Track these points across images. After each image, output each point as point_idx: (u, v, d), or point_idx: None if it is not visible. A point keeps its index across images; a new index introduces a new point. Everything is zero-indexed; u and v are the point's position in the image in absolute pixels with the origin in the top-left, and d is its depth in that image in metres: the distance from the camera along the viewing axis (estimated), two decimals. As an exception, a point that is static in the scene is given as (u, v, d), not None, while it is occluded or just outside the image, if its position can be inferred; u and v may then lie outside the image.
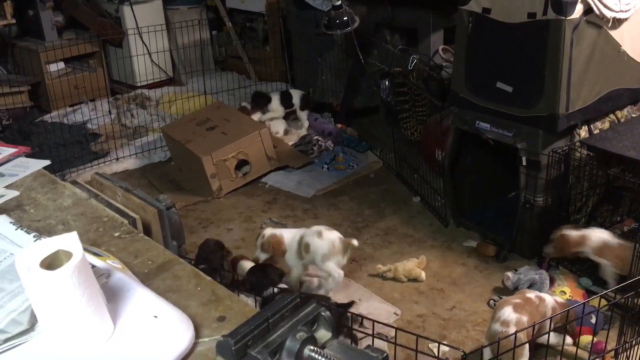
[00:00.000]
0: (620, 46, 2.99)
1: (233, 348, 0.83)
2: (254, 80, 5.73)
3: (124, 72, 5.48)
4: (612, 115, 3.16)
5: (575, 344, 2.59)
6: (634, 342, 2.33)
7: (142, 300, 1.07)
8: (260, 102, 4.77)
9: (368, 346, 0.88)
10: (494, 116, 3.13)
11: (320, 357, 0.84)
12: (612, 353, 2.50)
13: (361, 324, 2.76)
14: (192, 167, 4.18)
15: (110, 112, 4.97)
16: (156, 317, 1.03)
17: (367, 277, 3.22)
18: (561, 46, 2.76)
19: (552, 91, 2.84)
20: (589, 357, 2.44)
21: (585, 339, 2.62)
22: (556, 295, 2.79)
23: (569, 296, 2.85)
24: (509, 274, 3.00)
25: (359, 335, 2.50)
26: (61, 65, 5.33)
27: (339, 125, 4.78)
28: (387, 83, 4.17)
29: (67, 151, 4.39)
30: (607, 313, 2.76)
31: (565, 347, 2.54)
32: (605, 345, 2.54)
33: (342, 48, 4.76)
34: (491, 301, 2.93)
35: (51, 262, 0.95)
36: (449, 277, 3.19)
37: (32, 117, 4.99)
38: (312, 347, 0.85)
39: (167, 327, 1.03)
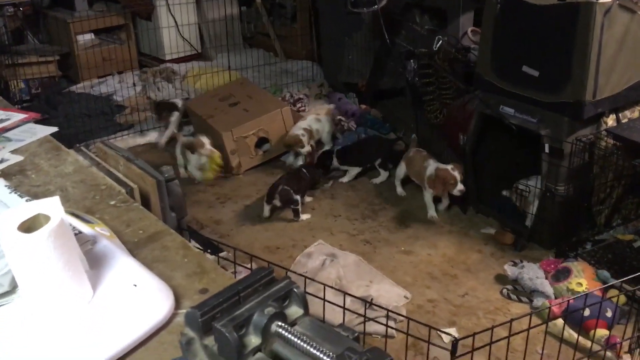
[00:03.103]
0: (655, 32, 2.86)
1: (199, 320, 0.82)
2: (281, 58, 5.70)
3: (153, 45, 5.51)
4: (642, 105, 3.03)
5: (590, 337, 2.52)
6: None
7: (124, 268, 1.07)
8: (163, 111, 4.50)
9: (340, 325, 0.85)
10: (518, 101, 3.04)
11: (287, 334, 0.82)
12: (626, 348, 2.44)
13: (370, 306, 2.76)
14: (214, 142, 4.19)
15: (134, 85, 5.00)
16: (136, 285, 1.03)
17: (380, 259, 3.19)
18: (591, 30, 2.65)
19: (580, 77, 2.73)
20: (604, 351, 2.38)
21: (600, 332, 2.55)
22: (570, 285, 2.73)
23: (585, 288, 2.78)
24: (507, 267, 2.94)
25: (370, 315, 2.49)
26: (91, 36, 5.39)
27: (363, 106, 4.72)
28: (413, 64, 4.09)
29: (92, 122, 4.45)
30: (624, 308, 2.69)
31: (579, 339, 2.49)
32: (622, 342, 2.47)
33: (370, 27, 4.67)
34: (504, 290, 2.88)
35: (30, 226, 0.95)
36: (464, 263, 3.14)
37: (60, 87, 5.06)
38: (279, 323, 0.83)
39: (145, 296, 1.02)
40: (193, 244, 2.93)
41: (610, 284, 2.64)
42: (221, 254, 3.03)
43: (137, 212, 1.35)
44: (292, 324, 0.86)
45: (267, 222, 3.52)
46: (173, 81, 5.18)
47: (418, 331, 2.63)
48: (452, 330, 2.64)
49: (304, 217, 3.54)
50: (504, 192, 3.46)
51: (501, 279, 2.99)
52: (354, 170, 3.95)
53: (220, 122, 4.12)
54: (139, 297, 1.01)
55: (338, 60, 5.09)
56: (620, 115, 2.96)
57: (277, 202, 3.53)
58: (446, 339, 2.55)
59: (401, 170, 3.71)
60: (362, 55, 4.89)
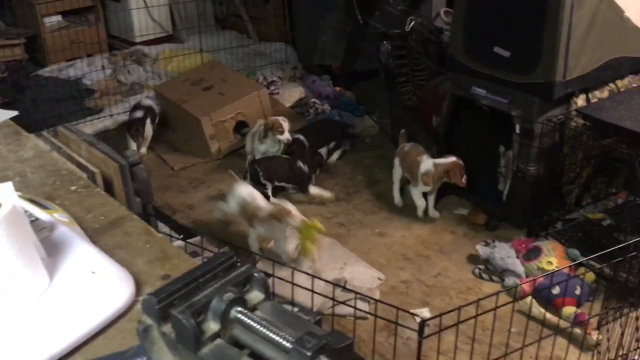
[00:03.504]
0: (624, 12, 2.88)
1: (156, 307, 0.80)
2: (254, 40, 5.62)
3: (122, 27, 5.39)
4: (612, 85, 3.06)
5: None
6: (617, 315, 2.30)
7: (82, 255, 1.04)
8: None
9: (302, 309, 0.84)
10: (490, 82, 3.05)
11: (246, 319, 0.80)
12: (595, 325, 2.48)
13: (344, 288, 2.76)
14: (189, 128, 4.13)
15: (104, 68, 4.89)
16: (94, 272, 1.00)
17: (354, 241, 3.19)
18: (561, 10, 2.65)
19: (550, 57, 2.75)
20: (572, 329, 2.42)
21: (569, 310, 2.59)
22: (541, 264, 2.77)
23: (555, 267, 2.81)
24: (479, 247, 2.97)
25: (342, 298, 2.50)
26: (58, 18, 5.25)
27: (337, 89, 4.69)
28: (386, 46, 4.07)
29: (61, 106, 4.35)
30: (593, 285, 2.73)
31: (548, 317, 2.52)
32: (589, 318, 2.51)
33: (343, 9, 4.63)
34: (476, 270, 2.91)
35: (-19, 213, 0.92)
36: (437, 244, 3.16)
37: (28, 70, 4.93)
38: (239, 309, 0.81)
39: (105, 283, 1.00)
40: (165, 229, 2.91)
41: (578, 261, 2.68)
42: (193, 239, 3.01)
43: (98, 197, 1.32)
44: (253, 309, 0.85)
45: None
46: (144, 64, 5.09)
47: (392, 312, 2.65)
48: (425, 311, 2.66)
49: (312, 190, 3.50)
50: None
51: (473, 259, 3.02)
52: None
53: (196, 107, 4.06)
54: (97, 284, 0.99)
55: (312, 42, 5.04)
56: (590, 95, 2.99)
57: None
58: (419, 319, 2.56)
59: (397, 170, 3.41)
60: (336, 37, 4.85)
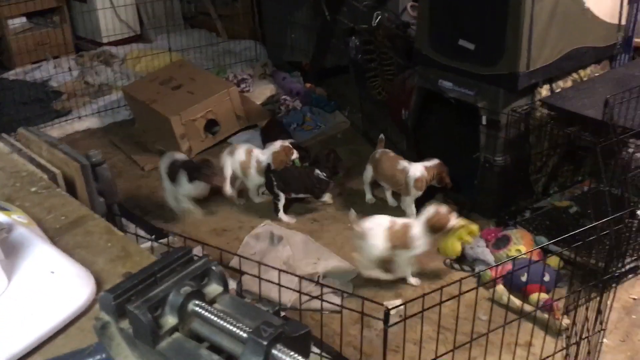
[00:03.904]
0: (584, 3, 2.93)
1: (113, 303, 0.80)
2: (223, 38, 5.60)
3: (89, 27, 5.32)
4: (575, 74, 3.12)
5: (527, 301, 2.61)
6: (583, 299, 2.35)
7: (41, 255, 1.03)
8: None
9: (261, 300, 0.85)
10: (456, 74, 3.08)
11: (204, 312, 0.81)
12: (563, 310, 2.53)
13: (317, 283, 2.77)
14: (159, 127, 4.10)
15: (71, 70, 4.82)
16: (53, 272, 1.00)
17: (328, 236, 3.20)
18: (522, 3, 2.69)
19: (513, 49, 2.79)
20: (541, 314, 2.46)
21: (537, 296, 2.64)
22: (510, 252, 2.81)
23: (525, 255, 2.86)
24: None
25: (316, 293, 2.51)
26: (22, 20, 5.16)
27: (308, 85, 4.70)
28: (355, 41, 4.08)
29: (28, 109, 4.29)
30: (562, 271, 2.79)
31: (519, 304, 2.57)
32: (553, 301, 2.55)
33: (311, 5, 4.64)
34: (447, 260, 2.94)
35: None
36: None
37: (-8, 74, 4.85)
38: (196, 302, 0.82)
39: (64, 283, 0.99)
40: (137, 230, 2.88)
41: (541, 245, 2.73)
42: (165, 239, 2.99)
43: (59, 198, 1.31)
44: (211, 302, 0.85)
45: (213, 205, 3.48)
46: (112, 65, 5.03)
47: (365, 305, 2.67)
48: (397, 302, 2.67)
49: (283, 217, 3.35)
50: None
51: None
52: None
53: (165, 107, 4.03)
54: (56, 284, 0.98)
55: (281, 39, 5.04)
56: (554, 85, 3.04)
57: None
58: (393, 312, 2.58)
59: (368, 173, 3.40)
60: (305, 34, 4.86)
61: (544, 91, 3.00)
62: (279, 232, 3.21)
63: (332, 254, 3.06)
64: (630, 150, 2.68)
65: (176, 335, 0.81)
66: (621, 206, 2.04)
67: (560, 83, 3.06)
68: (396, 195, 3.39)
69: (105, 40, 5.37)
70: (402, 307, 2.56)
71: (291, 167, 3.45)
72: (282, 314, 2.60)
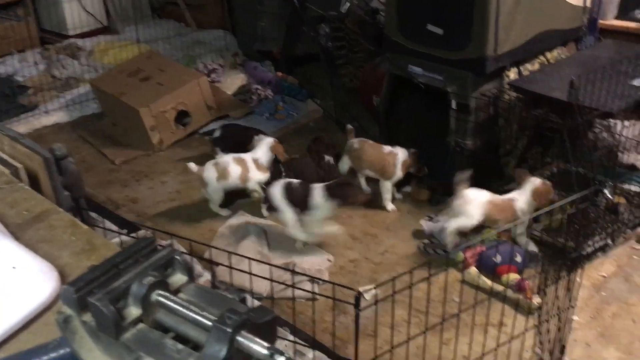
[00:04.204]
0: (550, -14, 2.96)
1: (74, 296, 0.79)
2: (192, 28, 5.53)
3: (54, 20, 5.21)
4: (542, 57, 3.16)
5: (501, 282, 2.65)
6: (554, 278, 2.39)
7: (2, 251, 1.01)
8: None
9: (227, 288, 0.85)
10: (425, 60, 3.09)
11: (167, 302, 0.80)
12: (535, 290, 2.57)
13: (293, 271, 2.78)
14: (128, 120, 4.04)
15: (37, 63, 4.72)
16: (15, 268, 0.98)
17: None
18: (489, -14, 2.71)
19: (481, 33, 2.81)
20: (513, 293, 2.50)
21: (510, 277, 2.68)
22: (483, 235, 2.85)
23: (496, 237, 2.90)
24: (423, 222, 3.03)
25: (292, 281, 2.51)
26: (-17, 13, 5.03)
27: (279, 74, 4.67)
28: (325, 29, 4.07)
29: (-8, 105, 4.20)
30: (533, 252, 2.83)
31: (491, 285, 2.61)
32: (522, 280, 2.59)
33: (280, -7, 4.61)
34: (421, 245, 2.97)
35: None
36: (383, 222, 3.20)
37: (-45, 70, 4.72)
38: (160, 292, 0.81)
39: (26, 278, 0.98)
40: (108, 225, 2.85)
41: (508, 226, 2.77)
42: (139, 233, 2.97)
43: (22, 192, 1.29)
44: (176, 291, 0.85)
45: (185, 197, 3.46)
46: (79, 58, 4.94)
47: (342, 292, 2.69)
48: (372, 287, 2.70)
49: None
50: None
51: (419, 234, 3.08)
52: None
53: (134, 99, 3.96)
54: (18, 279, 0.97)
55: (251, 28, 5.00)
56: (521, 68, 3.07)
57: None
58: (367, 295, 2.61)
59: (345, 165, 3.36)
60: (275, 22, 4.82)
61: (512, 74, 3.03)
62: (254, 221, 3.21)
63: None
64: (596, 130, 2.73)
65: (140, 326, 0.80)
66: (588, 186, 2.07)
67: (528, 66, 3.10)
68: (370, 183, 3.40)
69: (71, 33, 5.26)
70: (377, 291, 2.58)
71: (299, 158, 3.42)
72: (258, 302, 2.60)
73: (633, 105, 2.74)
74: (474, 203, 2.83)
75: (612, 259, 2.80)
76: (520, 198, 2.84)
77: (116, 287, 0.79)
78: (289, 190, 2.91)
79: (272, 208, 2.97)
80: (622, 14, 3.51)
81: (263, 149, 3.30)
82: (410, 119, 3.50)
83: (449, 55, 2.96)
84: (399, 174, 3.25)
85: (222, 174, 3.18)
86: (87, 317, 0.80)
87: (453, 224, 2.85)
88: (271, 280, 1.68)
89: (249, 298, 2.63)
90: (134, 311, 0.80)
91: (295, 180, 2.97)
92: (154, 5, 5.83)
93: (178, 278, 0.86)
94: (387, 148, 3.27)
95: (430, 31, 3.00)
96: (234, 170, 3.20)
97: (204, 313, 0.78)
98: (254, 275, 1.72)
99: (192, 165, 3.19)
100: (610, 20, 3.51)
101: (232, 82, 4.65)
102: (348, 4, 3.64)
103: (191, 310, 0.78)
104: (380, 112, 3.47)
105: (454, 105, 3.00)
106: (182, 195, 3.49)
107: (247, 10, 4.97)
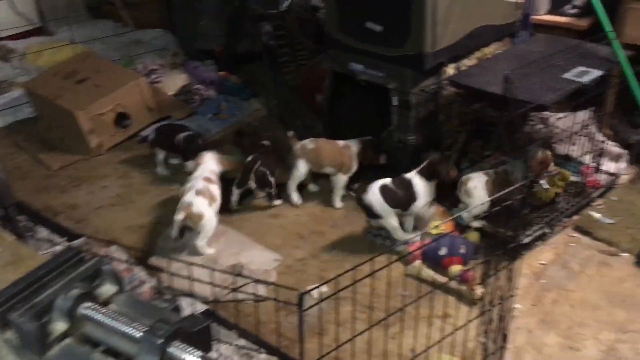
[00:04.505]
0: (482, -17, 3.03)
1: (-7, 314, 0.75)
2: (130, 27, 5.39)
3: (-18, 22, 4.98)
4: (478, 52, 3.22)
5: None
6: (496, 268, 2.45)
7: None
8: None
9: (174, 294, 0.82)
10: (366, 57, 3.11)
11: (95, 314, 0.77)
12: (479, 280, 2.63)
13: (239, 274, 2.75)
14: (65, 124, 3.90)
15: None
16: None
17: (249, 226, 3.17)
18: (425, -17, 2.75)
19: (418, 30, 2.84)
20: (457, 284, 2.55)
21: (455, 269, 2.73)
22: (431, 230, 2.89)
23: (442, 229, 2.95)
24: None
25: (239, 284, 2.48)
26: None
27: (221, 73, 4.62)
28: (267, 27, 4.04)
29: None
30: (476, 243, 2.89)
31: (436, 277, 2.65)
32: (465, 270, 2.65)
33: (220, -10, 4.55)
34: (368, 235, 2.99)
35: None
36: (330, 219, 3.21)
37: None
38: (87, 304, 0.78)
39: (-56, 296, 0.92)
40: (44, 234, 2.74)
41: (451, 218, 2.82)
42: (77, 241, 2.88)
43: (-59, 205, 1.21)
44: (105, 303, 0.82)
45: (127, 202, 3.37)
46: (10, 60, 4.74)
47: (291, 292, 2.68)
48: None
49: (277, 202, 3.28)
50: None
51: (366, 230, 3.10)
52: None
53: (70, 102, 3.83)
54: (-64, 298, 0.91)
55: (192, 27, 4.91)
56: (459, 63, 3.13)
57: (252, 184, 3.21)
58: (315, 293, 2.60)
59: (301, 170, 3.26)
60: (215, 20, 4.76)
61: (451, 70, 3.08)
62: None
63: (254, 243, 3.04)
64: (532, 122, 2.81)
65: (67, 341, 0.77)
66: (525, 178, 2.13)
67: (466, 61, 3.16)
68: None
69: (2, 35, 5.04)
70: (324, 289, 2.58)
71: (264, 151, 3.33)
72: (205, 307, 2.56)
73: (566, 98, 2.84)
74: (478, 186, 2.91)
75: (551, 247, 2.90)
76: (517, 168, 2.83)
77: (40, 302, 0.76)
78: (387, 192, 2.84)
79: (371, 215, 2.90)
80: (554, 9, 3.62)
81: (210, 165, 3.16)
82: (354, 115, 3.52)
83: (388, 52, 2.99)
84: (355, 166, 3.28)
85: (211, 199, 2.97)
86: (9, 335, 0.76)
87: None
88: (212, 284, 1.65)
89: (194, 303, 2.59)
90: (59, 326, 0.76)
91: (386, 180, 2.88)
92: (89, 5, 5.65)
93: (107, 289, 0.83)
94: (341, 142, 3.29)
95: (370, 28, 3.02)
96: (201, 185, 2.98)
97: (135, 324, 0.75)
98: (195, 280, 1.68)
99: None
100: (543, 16, 3.62)
101: (173, 82, 4.56)
102: (288, 2, 3.62)
103: (120, 322, 0.75)
104: (324, 110, 3.48)
105: (395, 101, 3.03)
106: (124, 199, 3.41)
107: (187, 8, 4.88)
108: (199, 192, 2.91)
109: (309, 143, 3.30)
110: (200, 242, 2.89)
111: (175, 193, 3.39)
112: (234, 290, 1.69)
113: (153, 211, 3.28)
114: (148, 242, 3.02)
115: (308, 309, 1.50)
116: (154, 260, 2.82)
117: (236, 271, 2.77)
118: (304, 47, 3.82)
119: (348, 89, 3.39)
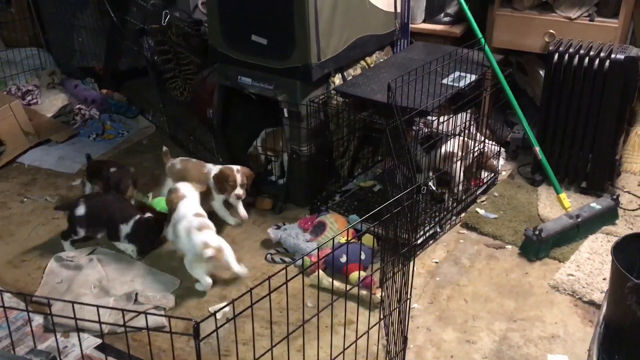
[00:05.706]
0: (363, -6, 3.12)
1: None
2: (0, 47, 5.02)
3: None
4: (362, 62, 3.32)
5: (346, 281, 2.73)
6: (393, 271, 2.52)
7: None
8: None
9: (32, 350, 0.76)
10: (254, 70, 3.10)
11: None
12: (379, 284, 2.69)
13: (136, 301, 2.63)
14: None
15: None
16: None
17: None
18: (306, -4, 2.78)
19: (303, 41, 2.87)
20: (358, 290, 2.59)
21: (355, 275, 2.77)
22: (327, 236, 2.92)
23: (341, 237, 2.99)
24: (270, 230, 3.05)
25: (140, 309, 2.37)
26: None
27: (104, 91, 4.42)
28: (149, 42, 3.92)
29: None
30: (374, 248, 2.96)
31: (337, 285, 2.68)
32: (365, 276, 2.70)
33: (95, 6, 4.35)
34: (268, 255, 2.97)
35: None
36: (228, 236, 3.15)
37: None
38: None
39: None
40: None
41: (350, 226, 2.87)
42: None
43: None
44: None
45: (6, 235, 3.13)
46: None
47: (189, 313, 2.60)
48: (221, 305, 2.64)
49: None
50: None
51: (266, 244, 3.08)
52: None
53: None
54: None
55: (68, 44, 4.66)
56: (345, 73, 3.20)
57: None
58: (220, 315, 2.54)
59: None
60: (93, 36, 4.55)
61: (337, 80, 3.14)
62: (86, 252, 2.99)
63: (149, 268, 2.92)
64: (415, 128, 2.92)
65: None
66: (411, 181, 2.20)
67: (351, 71, 3.24)
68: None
69: None
70: (228, 309, 2.53)
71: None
72: (99, 341, 2.42)
73: (446, 102, 2.99)
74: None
75: (442, 244, 3.03)
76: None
77: None
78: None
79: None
80: (429, 18, 3.81)
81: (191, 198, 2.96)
82: (246, 128, 3.49)
83: (276, 65, 3.00)
84: (221, 190, 3.09)
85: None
86: None
87: None
88: (99, 322, 1.56)
89: (87, 338, 2.45)
90: None
91: None
92: (-51, 25, 5.19)
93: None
94: (208, 165, 3.17)
95: (255, 41, 3.01)
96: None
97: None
98: (79, 319, 1.59)
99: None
100: (420, 24, 3.80)
101: (51, 103, 4.30)
102: (168, 16, 3.52)
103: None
104: (215, 124, 3.42)
105: (286, 113, 3.04)
106: (2, 232, 3.16)
107: (61, 25, 4.62)
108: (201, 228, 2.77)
109: (177, 162, 3.23)
110: (236, 266, 2.77)
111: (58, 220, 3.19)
112: (124, 325, 1.61)
113: (34, 242, 3.06)
114: (32, 277, 2.81)
115: (204, 338, 1.46)
116: (38, 298, 2.63)
117: (130, 299, 2.65)
118: (190, 61, 3.74)
119: (239, 101, 3.36)
